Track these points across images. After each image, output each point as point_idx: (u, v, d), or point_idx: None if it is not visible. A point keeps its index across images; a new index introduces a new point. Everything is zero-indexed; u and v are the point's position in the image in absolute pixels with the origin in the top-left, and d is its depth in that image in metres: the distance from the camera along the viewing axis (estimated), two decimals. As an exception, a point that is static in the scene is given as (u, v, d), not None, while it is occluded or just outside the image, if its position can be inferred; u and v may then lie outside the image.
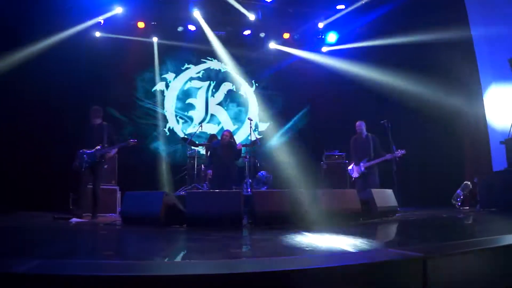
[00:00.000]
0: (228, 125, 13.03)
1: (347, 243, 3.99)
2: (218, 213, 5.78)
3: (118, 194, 9.91)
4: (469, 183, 10.15)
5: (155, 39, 12.65)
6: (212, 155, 9.75)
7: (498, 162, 9.77)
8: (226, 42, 12.95)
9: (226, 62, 13.42)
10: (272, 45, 13.55)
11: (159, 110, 12.73)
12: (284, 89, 13.44)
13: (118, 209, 9.56)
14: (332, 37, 13.18)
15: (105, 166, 8.91)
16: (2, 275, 1.93)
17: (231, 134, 9.89)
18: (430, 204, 10.48)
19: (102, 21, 11.74)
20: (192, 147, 10.98)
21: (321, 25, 12.85)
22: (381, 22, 11.74)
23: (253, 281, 2.06)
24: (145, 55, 12.54)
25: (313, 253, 3.37)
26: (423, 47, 10.82)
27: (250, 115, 13.31)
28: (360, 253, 3.37)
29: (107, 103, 11.68)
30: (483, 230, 5.41)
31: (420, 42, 10.69)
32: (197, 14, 11.92)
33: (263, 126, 13.63)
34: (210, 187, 9.84)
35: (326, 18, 12.58)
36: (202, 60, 13.42)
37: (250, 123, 10.13)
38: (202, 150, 11.93)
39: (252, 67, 13.50)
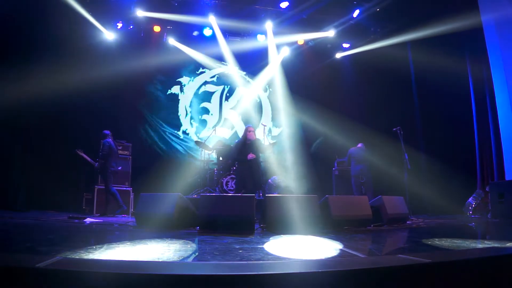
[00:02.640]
0: (242, 129, 13.09)
1: (357, 248, 4.01)
2: (231, 217, 5.82)
3: (132, 196, 10.04)
4: (481, 191, 10.10)
5: (170, 43, 12.76)
6: (232, 157, 9.63)
7: (511, 171, 9.70)
8: (240, 47, 13.04)
9: (240, 67, 13.52)
10: (286, 51, 13.61)
11: (173, 113, 12.84)
12: (298, 94, 13.46)
13: (131, 210, 9.69)
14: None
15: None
16: (24, 269, 2.00)
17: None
18: (442, 212, 10.43)
19: (120, 25, 11.88)
20: (205, 151, 11.05)
21: (333, 32, 12.84)
22: (392, 20, 11.74)
23: (264, 282, 2.10)
24: (160, 58, 12.65)
25: (325, 257, 3.40)
26: (433, 44, 10.80)
27: (263, 120, 13.36)
28: (370, 258, 3.39)
29: (121, 106, 11.87)
30: (492, 238, 5.39)
31: (430, 36, 10.69)
32: (212, 19, 12.01)
33: (276, 131, 13.68)
34: (234, 189, 9.82)
35: (340, 25, 12.57)
36: (216, 64, 13.51)
37: (264, 128, 10.18)
38: (215, 154, 12.01)
39: (266, 72, 13.54)
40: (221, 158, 11.05)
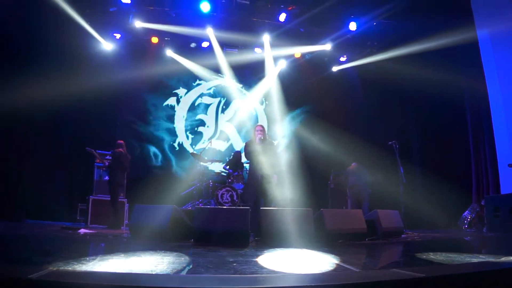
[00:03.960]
0: (238, 142, 13.10)
1: (352, 262, 4.00)
2: (225, 229, 5.79)
3: (126, 207, 10.01)
4: (476, 205, 10.11)
5: (168, 54, 12.80)
6: (239, 162, 9.35)
7: (506, 185, 9.72)
8: (238, 59, 13.09)
9: (237, 79, 13.58)
10: (283, 64, 13.68)
11: (169, 124, 12.84)
12: (294, 107, 13.50)
13: (125, 221, 9.65)
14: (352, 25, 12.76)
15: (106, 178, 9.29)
16: (17, 281, 1.99)
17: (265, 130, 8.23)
18: (437, 226, 10.43)
19: (118, 35, 11.93)
20: (201, 163, 11.04)
21: (330, 46, 12.91)
22: (388, 33, 11.82)
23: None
24: (158, 69, 12.68)
25: (320, 271, 3.39)
26: (429, 58, 10.87)
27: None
28: (365, 272, 3.39)
29: (117, 116, 11.88)
30: (487, 252, 5.39)
31: (426, 51, 10.77)
32: (210, 31, 12.06)
33: (274, 144, 13.67)
34: (241, 200, 9.70)
35: (337, 38, 12.64)
36: (213, 76, 13.55)
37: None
38: (210, 166, 12.00)
39: (263, 85, 13.58)
40: (227, 167, 10.95)
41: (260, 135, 7.83)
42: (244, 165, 10.42)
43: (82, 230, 7.42)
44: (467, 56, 11.20)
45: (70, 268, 3.05)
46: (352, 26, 11.86)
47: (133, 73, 12.02)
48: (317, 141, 12.62)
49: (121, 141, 9.60)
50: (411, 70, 11.20)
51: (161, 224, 5.97)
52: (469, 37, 10.51)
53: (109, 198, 9.25)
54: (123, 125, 12.16)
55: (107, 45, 11.89)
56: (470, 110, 12.04)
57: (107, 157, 9.73)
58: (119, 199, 9.50)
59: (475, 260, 4.20)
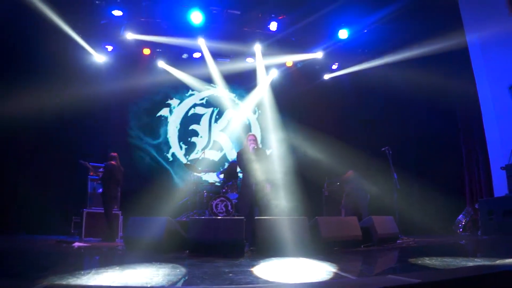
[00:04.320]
0: (231, 151, 13.09)
1: (348, 269, 4.00)
2: (220, 240, 5.77)
3: (120, 219, 9.95)
4: (470, 209, 10.14)
5: (160, 65, 12.81)
6: (233, 173, 9.25)
7: (499, 188, 9.75)
8: (229, 69, 13.12)
9: (229, 89, 13.61)
10: (275, 73, 13.73)
11: (162, 135, 12.82)
12: (287, 115, 13.53)
13: (120, 233, 9.59)
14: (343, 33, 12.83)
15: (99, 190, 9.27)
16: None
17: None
18: (432, 231, 10.45)
19: (111, 48, 11.94)
20: (195, 173, 11.00)
21: (321, 54, 13.00)
22: (379, 40, 11.89)
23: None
24: (150, 80, 12.67)
25: (316, 279, 3.38)
26: (420, 64, 10.95)
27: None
28: (360, 279, 3.38)
29: (110, 127, 11.87)
30: (482, 256, 5.40)
31: (417, 57, 10.85)
32: (201, 41, 12.10)
33: (266, 152, 13.67)
34: (234, 211, 9.64)
35: (328, 46, 12.71)
36: (206, 87, 13.55)
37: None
38: (204, 176, 11.97)
39: (255, 94, 13.62)
40: (221, 176, 10.92)
41: (253, 144, 7.75)
42: (238, 174, 10.40)
43: (77, 244, 7.37)
44: (457, 61, 11.28)
45: (65, 283, 3.02)
46: (343, 34, 11.93)
47: (126, 84, 12.00)
48: (310, 149, 12.63)
49: (114, 154, 9.57)
50: (402, 76, 11.28)
51: (155, 236, 5.95)
52: (458, 42, 10.59)
53: (103, 211, 9.21)
54: (116, 137, 12.14)
55: (99, 57, 11.89)
56: (461, 115, 12.12)
57: (100, 169, 9.69)
58: (113, 212, 9.45)
59: (470, 263, 4.21)
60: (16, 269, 3.91)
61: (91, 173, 9.85)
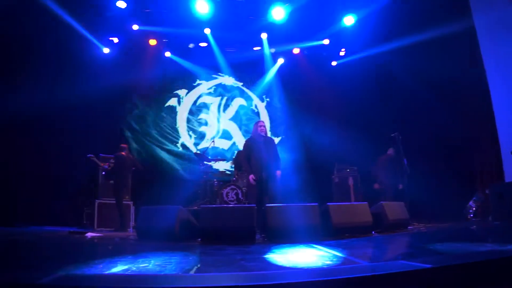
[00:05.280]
0: (240, 140, 13.09)
1: (359, 255, 4.01)
2: (231, 228, 5.81)
3: (132, 209, 10.02)
4: (481, 194, 10.08)
5: (167, 55, 12.81)
6: (241, 163, 9.22)
7: (510, 172, 9.67)
8: (237, 58, 13.11)
9: (237, 78, 13.60)
10: (282, 60, 13.68)
11: (171, 125, 12.85)
12: (295, 103, 13.50)
13: (132, 223, 9.67)
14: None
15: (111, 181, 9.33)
16: (27, 286, 2.00)
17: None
18: (443, 216, 10.41)
19: (116, 40, 11.97)
20: (205, 162, 11.04)
21: (328, 41, 12.96)
22: (385, 26, 11.77)
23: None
24: (157, 71, 12.70)
25: (328, 265, 3.40)
26: (428, 48, 10.85)
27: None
28: (372, 265, 3.39)
29: (120, 119, 11.92)
30: (494, 241, 5.38)
31: (426, 42, 10.75)
32: (207, 31, 12.09)
33: (275, 141, 13.67)
34: (245, 199, 9.72)
35: (335, 32, 12.63)
36: (213, 76, 13.55)
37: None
38: (214, 165, 12.02)
39: (263, 82, 13.60)
40: (232, 166, 10.96)
41: (263, 132, 7.72)
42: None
43: (89, 234, 7.45)
44: (465, 45, 11.14)
45: (80, 272, 3.06)
46: (349, 20, 11.85)
47: (133, 76, 12.05)
48: (319, 136, 12.60)
49: (124, 145, 9.67)
50: (410, 61, 11.18)
51: (167, 225, 5.98)
52: (466, 26, 10.47)
53: (114, 201, 9.30)
54: (125, 128, 12.21)
55: (105, 50, 11.91)
56: (470, 99, 11.99)
57: (111, 160, 9.77)
58: (125, 202, 9.54)
59: (482, 248, 4.20)
60: (29, 261, 3.95)
61: (102, 164, 9.92)
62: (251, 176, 7.45)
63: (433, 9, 10.75)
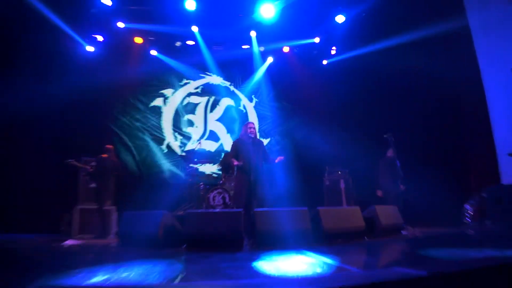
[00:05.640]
0: (228, 141, 13.04)
1: (352, 262, 3.98)
2: (218, 234, 5.76)
3: (115, 215, 9.87)
4: (477, 197, 10.12)
5: (153, 54, 12.74)
6: (229, 164, 9.15)
7: (507, 175, 9.73)
8: (225, 56, 13.07)
9: (225, 77, 13.56)
10: (271, 59, 13.66)
11: (156, 126, 12.76)
12: (285, 103, 13.50)
13: (114, 229, 9.53)
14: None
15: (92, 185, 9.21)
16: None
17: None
18: (438, 221, 10.44)
19: (100, 38, 11.89)
20: (191, 165, 10.96)
21: (318, 39, 12.98)
22: (378, 24, 11.80)
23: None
24: (143, 70, 12.61)
25: (319, 273, 3.36)
26: (422, 47, 10.91)
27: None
28: (367, 272, 3.36)
29: (103, 120, 11.81)
30: (491, 246, 5.39)
31: (419, 41, 10.80)
32: (195, 29, 12.03)
33: (263, 142, 13.65)
34: (232, 203, 9.61)
35: (326, 30, 12.65)
36: (200, 75, 13.48)
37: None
38: (200, 168, 11.95)
39: (252, 82, 13.56)
40: (219, 168, 10.91)
41: (252, 134, 7.67)
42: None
43: (69, 241, 7.35)
44: (459, 44, 11.21)
45: (57, 283, 2.99)
46: (340, 18, 11.87)
47: (117, 75, 11.92)
48: (310, 137, 12.59)
49: (110, 146, 9.53)
50: (403, 60, 11.21)
51: (151, 231, 5.92)
52: (460, 24, 10.54)
53: (95, 207, 9.18)
54: (108, 129, 12.07)
55: (89, 48, 11.81)
56: (465, 99, 12.06)
57: (92, 163, 9.62)
58: (107, 207, 9.42)
59: (479, 254, 4.19)
60: (7, 270, 3.87)
61: (83, 166, 9.75)
62: (235, 162, 7.40)
63: (427, 7, 10.81)
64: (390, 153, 10.11)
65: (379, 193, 9.99)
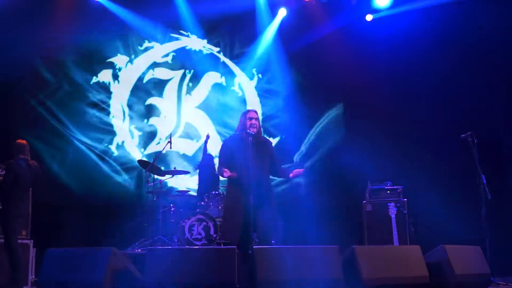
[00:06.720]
0: (214, 139, 12.90)
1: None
2: (198, 283, 5.74)
3: (33, 252, 9.80)
4: None
5: (97, 0, 12.59)
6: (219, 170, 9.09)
7: None
8: (211, 8, 12.93)
9: (210, 40, 13.47)
10: (285, 13, 13.60)
11: (101, 115, 12.68)
12: (304, 82, 13.47)
13: (31, 276, 9.47)
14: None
15: None
16: None
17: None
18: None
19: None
20: (155, 176, 10.92)
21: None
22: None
23: None
24: (81, 26, 12.46)
25: None
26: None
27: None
28: None
29: (18, 104, 11.72)
30: None
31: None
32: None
33: (272, 142, 13.62)
34: (219, 236, 9.57)
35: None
36: (172, 35, 13.41)
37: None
38: (170, 182, 11.87)
39: (254, 49, 13.50)
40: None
41: (253, 127, 7.53)
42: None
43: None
44: None
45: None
46: None
47: (41, 34, 11.82)
48: (342, 137, 12.58)
49: (22, 141, 9.16)
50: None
51: (92, 280, 5.91)
52: None
53: (1, 240, 9.10)
54: (23, 117, 11.91)
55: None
56: None
57: None
58: (20, 241, 9.36)
59: None
60: None
61: None
62: (226, 172, 7.33)
63: None
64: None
65: None
